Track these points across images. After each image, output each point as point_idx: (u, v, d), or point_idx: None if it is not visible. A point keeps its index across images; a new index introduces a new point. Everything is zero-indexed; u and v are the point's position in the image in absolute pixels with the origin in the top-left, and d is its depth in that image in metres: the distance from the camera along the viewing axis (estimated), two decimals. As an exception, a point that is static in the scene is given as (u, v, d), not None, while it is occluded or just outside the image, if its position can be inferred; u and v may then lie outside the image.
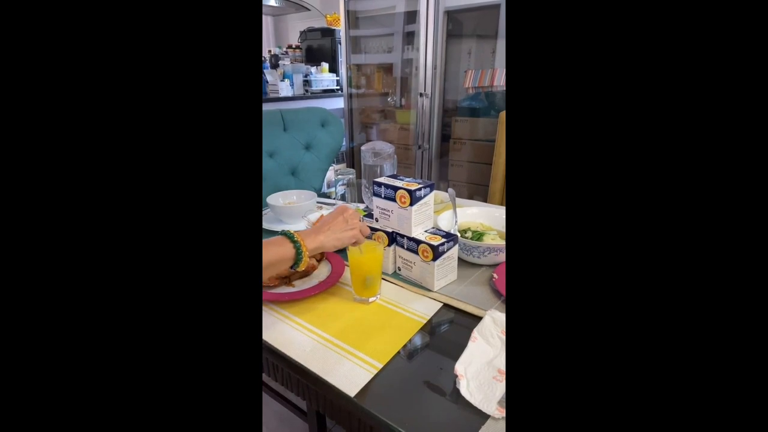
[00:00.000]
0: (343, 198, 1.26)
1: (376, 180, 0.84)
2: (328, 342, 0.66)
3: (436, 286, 0.80)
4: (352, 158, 2.77)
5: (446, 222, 0.99)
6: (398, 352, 0.64)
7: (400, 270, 0.86)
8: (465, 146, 2.15)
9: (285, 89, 2.82)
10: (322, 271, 0.88)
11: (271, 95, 2.78)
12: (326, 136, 1.50)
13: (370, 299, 0.77)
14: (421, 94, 2.03)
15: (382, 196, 0.83)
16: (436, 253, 0.77)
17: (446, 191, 1.12)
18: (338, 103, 2.79)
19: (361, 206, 1.25)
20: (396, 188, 0.80)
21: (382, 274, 0.86)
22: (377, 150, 1.20)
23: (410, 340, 0.67)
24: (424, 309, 0.75)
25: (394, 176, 0.86)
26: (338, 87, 3.03)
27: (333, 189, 1.26)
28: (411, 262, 0.82)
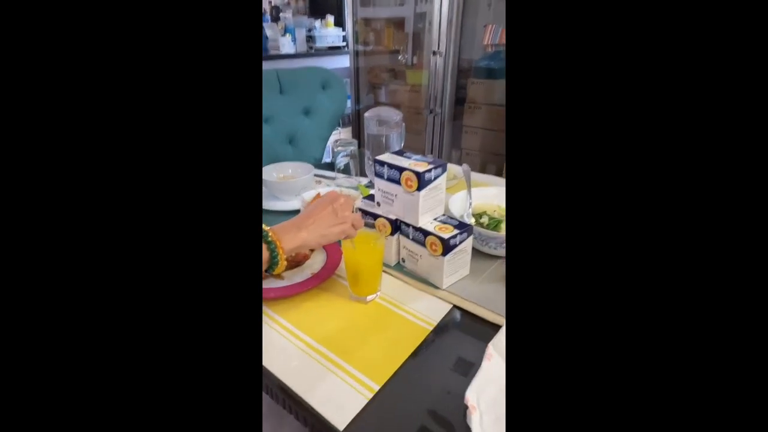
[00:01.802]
0: (344, 171, 1.13)
1: (378, 158, 0.71)
2: (316, 352, 0.57)
3: (445, 283, 0.69)
4: (358, 122, 2.60)
5: (459, 204, 0.87)
6: (398, 369, 0.54)
7: (404, 261, 0.75)
8: (480, 111, 1.98)
9: (287, 45, 2.60)
10: (316, 261, 0.77)
11: (272, 52, 2.58)
12: (327, 99, 1.35)
13: (368, 298, 0.66)
14: (434, 52, 1.83)
15: (385, 177, 0.71)
16: (447, 247, 0.65)
17: (459, 165, 0.99)
18: (344, 61, 2.58)
19: (364, 181, 1.13)
20: (401, 169, 0.67)
21: (384, 265, 0.76)
22: (383, 117, 1.06)
23: (413, 353, 0.57)
24: (431, 311, 0.64)
25: (400, 152, 0.73)
26: (344, 43, 2.80)
27: (336, 159, 1.14)
28: (417, 254, 0.71)
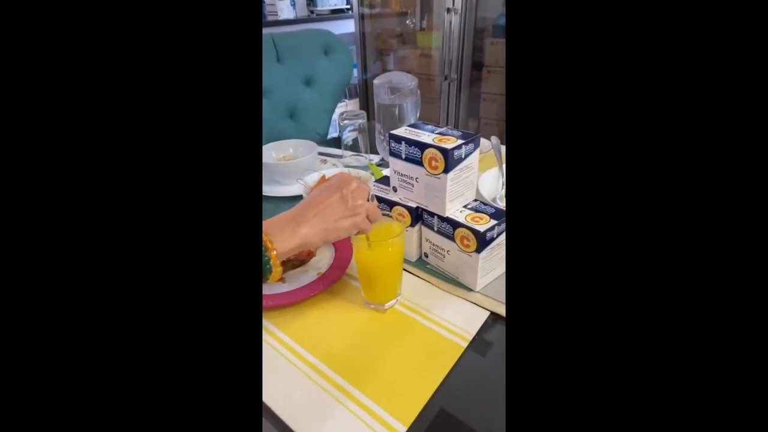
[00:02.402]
0: (352, 148, 1.00)
1: (393, 133, 0.58)
2: (323, 378, 0.46)
3: (479, 284, 0.57)
4: (366, 93, 2.42)
5: (489, 185, 0.73)
6: (428, 402, 0.42)
7: (427, 257, 0.63)
8: (499, 75, 1.80)
9: (285, 10, 2.40)
10: (324, 258, 0.65)
11: (269, 18, 2.38)
12: (330, 66, 1.20)
13: (387, 305, 0.55)
14: (448, 10, 1.64)
15: (403, 156, 0.58)
16: (482, 241, 0.52)
17: (484, 138, 0.85)
18: (348, 26, 2.38)
19: (375, 159, 0.99)
20: (423, 146, 0.54)
21: (405, 262, 0.63)
22: (395, 84, 0.92)
23: (446, 378, 0.45)
24: (465, 320, 0.53)
25: (417, 125, 0.60)
26: (348, 6, 2.59)
27: (342, 135, 1.00)
28: (443, 249, 0.59)
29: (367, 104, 2.45)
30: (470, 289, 0.57)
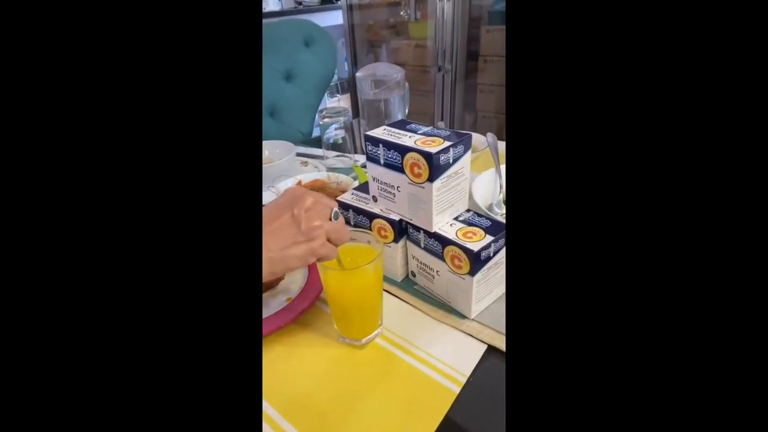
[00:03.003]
0: (337, 147, 0.91)
1: (370, 134, 0.49)
2: (286, 442, 0.37)
3: (474, 311, 0.48)
4: (355, 89, 2.33)
5: (484, 190, 0.64)
6: (412, 474, 0.34)
7: (414, 276, 0.54)
8: (496, 65, 1.70)
9: (271, 2, 2.29)
10: (295, 281, 0.57)
11: (256, 11, 2.27)
12: (313, 59, 1.11)
13: (364, 340, 0.46)
14: (440, -3, 1.54)
15: (381, 162, 0.49)
16: (476, 262, 0.44)
17: (475, 131, 0.76)
18: (336, 18, 2.28)
19: (361, 160, 0.90)
20: (404, 149, 0.45)
21: (387, 282, 0.55)
22: (379, 76, 0.83)
23: (434, 437, 0.37)
24: (457, 356, 0.44)
25: (401, 123, 0.51)
26: (337, -3, 2.49)
27: (324, 135, 0.91)
28: (432, 269, 0.50)
29: (356, 101, 2.35)
30: (464, 316, 0.49)
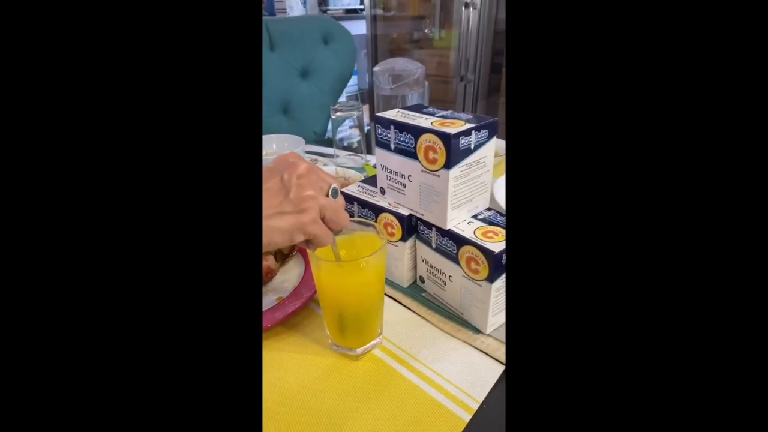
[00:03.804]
0: (350, 148, 0.86)
1: (381, 115, 0.43)
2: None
3: (490, 324, 0.41)
4: (373, 100, 2.30)
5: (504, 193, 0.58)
6: None
7: (422, 282, 0.48)
8: (521, 79, 1.64)
9: (295, 8, 2.29)
10: (289, 279, 0.51)
11: (279, 16, 2.29)
12: (330, 57, 1.07)
13: (359, 350, 0.39)
14: (466, 5, 1.51)
15: (392, 147, 0.43)
16: (497, 266, 0.37)
17: (501, 139, 0.70)
18: (360, 27, 2.27)
19: (372, 160, 0.85)
20: (419, 131, 0.39)
21: (391, 287, 0.48)
22: (398, 71, 0.78)
23: (435, 476, 0.30)
24: (468, 377, 0.37)
25: (418, 106, 0.45)
26: (362, 7, 2.49)
27: (335, 131, 0.86)
28: (444, 273, 0.43)
29: (377, 111, 2.32)
30: (478, 331, 0.42)
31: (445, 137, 0.37)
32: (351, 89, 2.59)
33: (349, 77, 1.12)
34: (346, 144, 0.87)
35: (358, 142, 0.86)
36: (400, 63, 0.79)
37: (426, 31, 2.17)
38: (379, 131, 0.43)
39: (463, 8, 1.51)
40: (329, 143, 0.97)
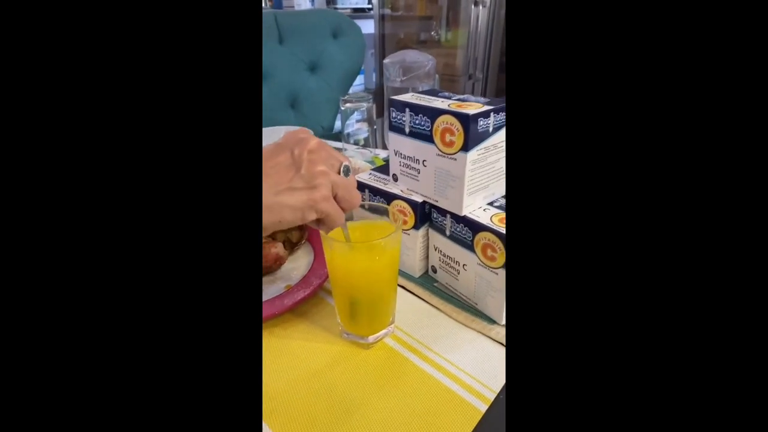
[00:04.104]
0: (359, 143, 0.85)
1: (396, 98, 0.42)
2: (264, 454, 0.29)
3: (506, 315, 0.40)
4: (382, 98, 2.30)
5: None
6: None
7: (435, 272, 0.46)
8: (529, 79, 1.63)
9: (303, 5, 2.30)
10: (297, 267, 0.50)
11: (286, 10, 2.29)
12: (340, 51, 1.06)
13: (371, 338, 0.38)
14: (476, 3, 1.50)
15: (407, 131, 0.42)
16: (515, 253, 0.36)
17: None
18: (368, 26, 2.27)
19: (382, 154, 0.84)
20: (435, 113, 0.38)
21: (402, 277, 0.47)
22: (408, 63, 0.77)
23: (452, 467, 0.28)
24: (484, 368, 0.36)
25: (433, 91, 0.44)
26: (370, 6, 2.49)
27: (345, 124, 0.85)
28: (457, 262, 0.42)
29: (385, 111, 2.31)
30: (493, 321, 0.40)
31: (463, 118, 0.36)
32: (357, 88, 2.58)
33: (358, 72, 1.11)
34: (353, 141, 0.86)
35: (365, 139, 0.85)
36: (410, 55, 0.78)
37: (432, 33, 2.17)
38: (394, 115, 0.42)
39: (473, 6, 1.50)
40: (337, 138, 0.97)
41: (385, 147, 0.89)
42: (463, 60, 1.69)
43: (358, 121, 0.85)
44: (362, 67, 1.22)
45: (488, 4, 1.47)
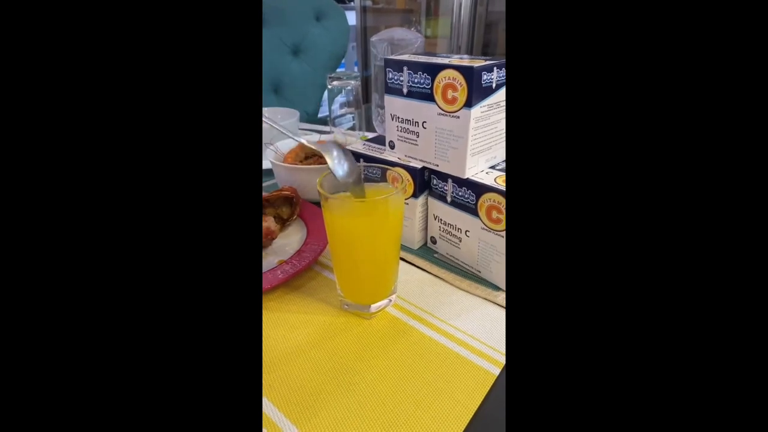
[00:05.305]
0: (350, 130, 0.82)
1: (392, 58, 0.40)
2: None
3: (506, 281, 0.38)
4: (366, 91, 2.27)
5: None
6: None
7: (434, 242, 0.45)
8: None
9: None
10: (290, 243, 0.47)
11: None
12: (323, 34, 1.04)
13: (373, 307, 0.36)
14: (458, -8, 1.49)
15: (405, 91, 0.40)
16: (522, 213, 0.34)
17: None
18: (349, 18, 2.25)
19: (371, 135, 0.82)
20: (437, 68, 0.36)
21: (401, 250, 0.45)
22: (397, 40, 0.75)
23: (470, 425, 0.27)
24: (492, 333, 0.34)
25: (428, 54, 0.42)
26: (350, -2, 2.46)
27: (330, 107, 0.83)
28: (459, 229, 0.40)
29: (373, 84, 2.29)
30: (498, 288, 0.39)
31: (467, 72, 0.34)
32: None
33: (343, 55, 1.09)
34: (339, 119, 0.83)
35: (351, 125, 0.83)
36: (398, 32, 0.76)
37: (412, 29, 2.16)
38: (390, 75, 0.40)
39: (455, -5, 1.50)
40: (322, 123, 0.94)
41: (373, 130, 0.86)
42: (447, 50, 1.69)
43: (342, 105, 0.83)
44: (342, 61, 1.19)
45: (471, -8, 1.47)
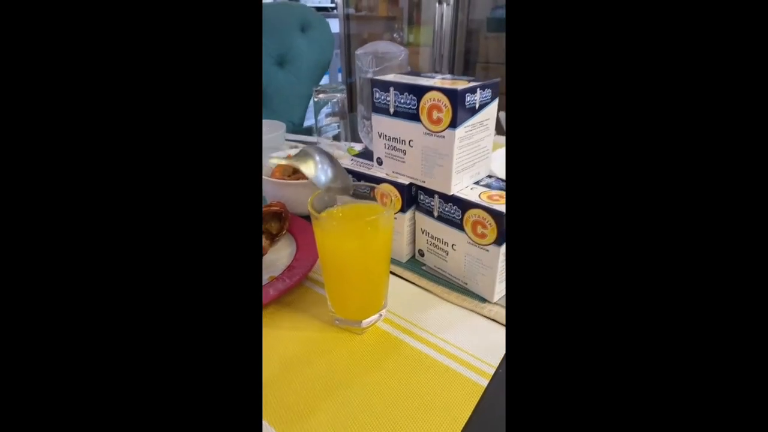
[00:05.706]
0: (335, 139, 0.83)
1: (378, 78, 0.41)
2: (261, 446, 0.27)
3: (497, 292, 0.40)
4: (350, 98, 2.28)
5: (502, 164, 0.58)
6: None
7: (422, 255, 0.46)
8: (494, 73, 1.67)
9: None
10: (280, 258, 0.48)
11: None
12: (308, 46, 1.04)
13: (364, 323, 0.37)
14: (440, 1, 1.52)
15: (391, 111, 0.41)
16: (504, 228, 0.36)
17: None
18: (333, 26, 2.26)
19: (358, 147, 0.83)
20: (423, 90, 0.38)
21: (392, 263, 0.46)
22: (381, 53, 0.76)
23: (459, 443, 0.28)
24: (480, 345, 0.36)
25: (413, 73, 0.44)
26: (333, 5, 2.47)
27: (316, 121, 0.83)
28: (446, 243, 0.42)
29: (358, 96, 2.30)
30: (485, 300, 0.40)
31: (451, 94, 0.35)
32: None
33: (327, 66, 1.10)
34: (324, 130, 0.84)
35: (335, 136, 0.83)
36: (382, 45, 0.77)
37: (395, 35, 2.18)
38: (377, 95, 0.42)
39: (437, 5, 1.53)
40: (307, 133, 0.95)
41: (358, 140, 0.87)
42: (430, 58, 1.71)
43: (327, 115, 0.84)
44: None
45: (452, 2, 1.50)
